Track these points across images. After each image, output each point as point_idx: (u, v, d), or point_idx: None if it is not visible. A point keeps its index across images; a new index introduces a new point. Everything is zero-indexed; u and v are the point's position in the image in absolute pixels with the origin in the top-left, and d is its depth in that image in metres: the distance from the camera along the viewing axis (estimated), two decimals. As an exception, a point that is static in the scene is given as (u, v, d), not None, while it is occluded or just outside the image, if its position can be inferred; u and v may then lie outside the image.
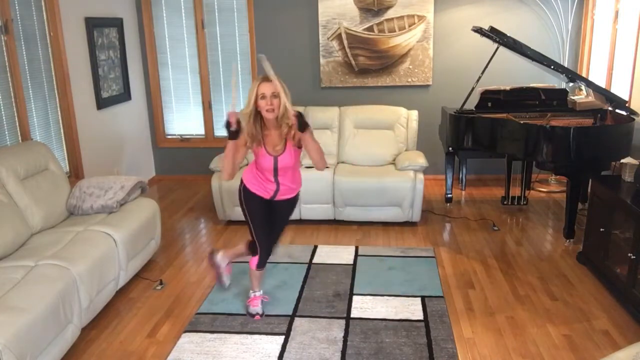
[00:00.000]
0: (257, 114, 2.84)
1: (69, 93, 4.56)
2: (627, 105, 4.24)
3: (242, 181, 3.09)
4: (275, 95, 2.77)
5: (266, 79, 2.79)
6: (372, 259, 3.98)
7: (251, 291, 3.28)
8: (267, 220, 3.10)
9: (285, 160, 2.94)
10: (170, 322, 3.22)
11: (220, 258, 3.45)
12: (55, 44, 4.42)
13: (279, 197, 3.07)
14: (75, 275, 2.93)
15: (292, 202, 3.18)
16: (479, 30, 4.46)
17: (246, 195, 3.07)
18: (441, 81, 5.69)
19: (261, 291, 3.30)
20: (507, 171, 4.99)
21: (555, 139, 3.94)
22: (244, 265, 3.92)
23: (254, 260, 3.13)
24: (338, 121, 5.08)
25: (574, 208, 4.09)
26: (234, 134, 2.80)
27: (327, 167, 3.01)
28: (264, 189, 3.03)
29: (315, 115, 5.10)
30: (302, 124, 2.75)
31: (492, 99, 4.79)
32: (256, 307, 3.23)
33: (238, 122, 2.79)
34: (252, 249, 3.19)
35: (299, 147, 2.96)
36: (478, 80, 4.68)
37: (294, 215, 4.61)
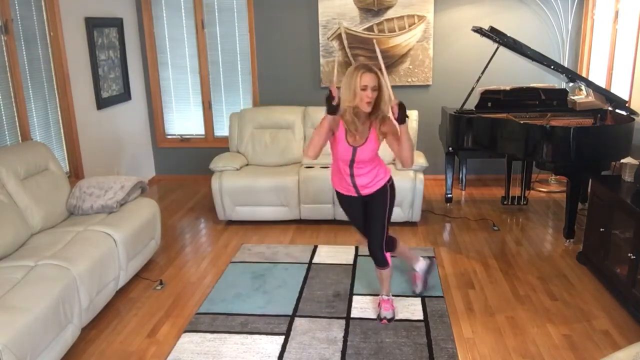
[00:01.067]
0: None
1: (69, 93, 4.56)
2: (627, 105, 4.24)
3: (332, 185, 3.12)
4: (375, 89, 2.70)
5: (369, 69, 2.68)
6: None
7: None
8: (363, 217, 3.08)
9: (365, 152, 2.85)
10: (170, 322, 3.22)
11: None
12: (55, 44, 4.42)
13: (363, 191, 2.98)
14: (75, 275, 2.93)
15: (383, 192, 3.00)
16: (479, 30, 4.46)
17: (338, 198, 3.13)
18: (441, 81, 5.69)
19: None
20: (507, 171, 4.99)
21: (555, 139, 3.94)
22: (242, 265, 3.93)
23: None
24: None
25: (574, 208, 4.09)
26: (334, 108, 2.67)
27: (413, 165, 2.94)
28: (344, 184, 2.99)
29: (316, 115, 5.10)
30: (402, 115, 2.66)
31: (492, 99, 4.79)
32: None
33: (339, 98, 2.68)
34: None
35: (381, 140, 2.87)
36: (478, 80, 4.68)
37: (294, 215, 4.65)
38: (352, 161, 2.90)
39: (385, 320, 3.12)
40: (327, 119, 2.73)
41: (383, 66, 2.77)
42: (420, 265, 3.42)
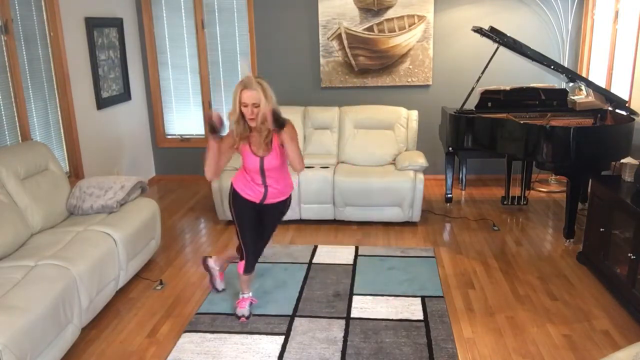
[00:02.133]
0: (243, 117, 2.84)
1: (69, 93, 4.56)
2: (627, 105, 4.24)
3: (232, 185, 3.10)
4: (256, 105, 2.76)
5: (247, 85, 2.75)
6: (372, 259, 3.98)
7: (240, 293, 3.29)
8: (256, 225, 3.10)
9: (272, 161, 2.93)
10: (170, 322, 3.22)
11: (213, 263, 3.47)
12: (55, 44, 4.42)
13: (268, 200, 3.06)
14: (75, 275, 2.93)
15: (282, 207, 3.15)
16: (479, 30, 4.46)
17: (235, 200, 3.08)
18: (441, 81, 5.69)
19: (250, 293, 3.31)
20: (507, 171, 4.99)
21: (555, 139, 3.94)
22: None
23: (241, 264, 3.14)
24: (338, 121, 5.08)
25: (574, 208, 4.09)
26: (215, 131, 2.78)
27: (303, 170, 2.99)
28: (253, 193, 3.03)
29: (315, 115, 5.11)
30: (278, 122, 2.74)
31: (492, 99, 4.79)
32: (242, 309, 3.23)
33: (221, 122, 2.78)
34: (240, 253, 3.19)
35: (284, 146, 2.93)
36: (478, 80, 4.68)
37: (294, 215, 4.65)
38: (262, 170, 2.96)
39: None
40: (212, 143, 2.82)
41: (255, 84, 2.77)
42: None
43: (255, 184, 3.01)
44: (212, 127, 2.77)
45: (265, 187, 3.01)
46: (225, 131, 2.86)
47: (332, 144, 5.04)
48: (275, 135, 2.90)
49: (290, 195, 3.18)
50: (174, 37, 5.90)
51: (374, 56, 5.64)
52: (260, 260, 3.97)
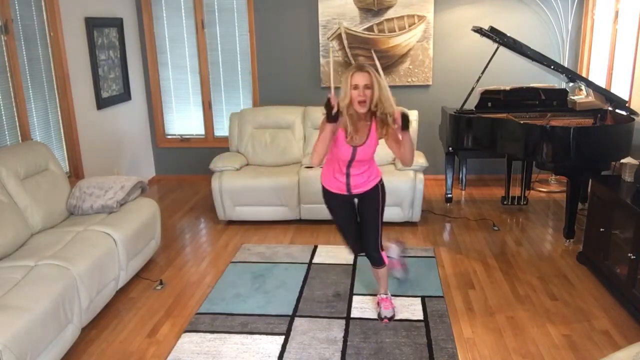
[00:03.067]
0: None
1: (69, 93, 4.56)
2: (627, 105, 4.24)
3: (321, 183, 3.10)
4: (368, 87, 2.69)
5: (360, 68, 2.69)
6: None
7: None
8: (351, 219, 3.07)
9: (364, 152, 2.86)
10: (170, 322, 3.22)
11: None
12: (55, 44, 4.42)
13: (355, 190, 2.98)
14: (75, 275, 2.93)
15: (374, 192, 3.02)
16: (479, 30, 4.46)
17: (326, 195, 3.10)
18: (441, 81, 5.69)
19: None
20: (507, 171, 4.99)
21: (555, 139, 3.94)
22: (242, 265, 3.93)
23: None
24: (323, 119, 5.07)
25: (574, 208, 4.09)
26: (334, 117, 2.66)
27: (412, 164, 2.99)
28: (337, 182, 2.98)
29: (316, 115, 5.10)
30: (406, 122, 2.68)
31: (492, 99, 4.79)
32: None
33: (338, 105, 2.67)
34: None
35: (379, 139, 2.88)
36: (478, 80, 4.68)
37: (294, 215, 4.65)
38: (351, 161, 2.90)
39: (386, 320, 3.12)
40: (328, 127, 2.72)
41: (380, 68, 2.75)
42: (391, 251, 3.41)
43: (339, 172, 2.95)
44: (328, 110, 2.64)
45: (348, 176, 2.94)
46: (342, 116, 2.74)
47: (332, 144, 5.03)
48: (374, 125, 2.82)
49: (381, 181, 3.05)
50: (174, 37, 5.90)
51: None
52: (260, 260, 3.99)
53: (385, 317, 3.13)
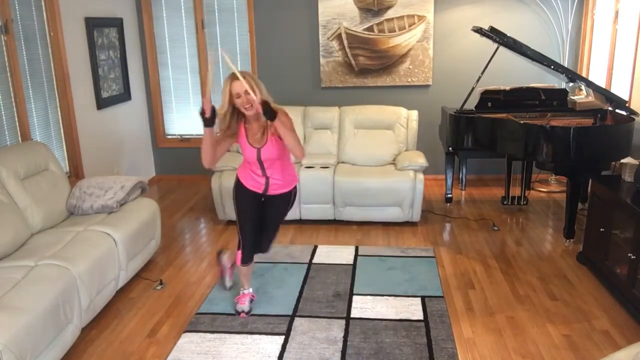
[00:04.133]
0: (234, 110, 2.86)
1: (69, 93, 4.56)
2: (627, 105, 4.24)
3: (236, 176, 3.12)
4: (248, 92, 2.76)
5: (235, 77, 2.77)
6: (372, 259, 3.98)
7: (241, 288, 3.32)
8: (257, 215, 3.11)
9: (268, 151, 2.93)
10: (170, 322, 3.22)
11: (226, 259, 3.48)
12: (55, 44, 4.42)
13: (271, 192, 3.06)
14: (75, 275, 2.93)
15: (286, 199, 3.14)
16: (479, 30, 4.46)
17: (238, 189, 3.11)
18: (441, 81, 5.69)
19: (250, 289, 3.33)
20: (507, 171, 4.99)
21: (555, 139, 3.94)
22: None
23: (239, 255, 3.15)
24: (338, 121, 5.08)
25: (574, 208, 4.09)
26: (208, 121, 2.78)
27: (304, 157, 3.04)
28: (256, 183, 3.04)
29: (315, 115, 5.11)
30: (268, 112, 2.72)
31: (492, 99, 4.79)
32: (242, 305, 3.25)
33: (213, 109, 2.78)
34: (238, 243, 3.19)
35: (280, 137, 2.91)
36: (478, 80, 4.68)
37: (294, 215, 4.65)
38: (260, 161, 2.97)
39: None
40: (206, 131, 2.81)
41: (234, 67, 2.80)
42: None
43: (256, 174, 3.02)
44: (202, 115, 2.76)
45: (266, 178, 3.02)
46: (216, 121, 2.84)
47: (332, 144, 5.04)
48: (269, 127, 2.91)
49: (295, 188, 3.16)
50: (174, 37, 5.90)
51: (374, 56, 5.64)
52: (260, 260, 3.98)
53: (242, 311, 3.22)
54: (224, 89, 2.82)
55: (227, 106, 2.83)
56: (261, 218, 3.14)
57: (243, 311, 3.23)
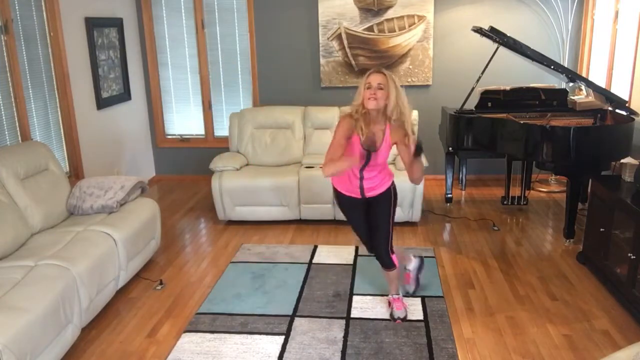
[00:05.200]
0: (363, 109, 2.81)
1: (69, 93, 4.56)
2: (627, 105, 4.24)
3: (332, 185, 3.10)
4: (381, 87, 2.74)
5: (377, 70, 2.77)
6: (372, 259, 3.96)
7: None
8: (365, 220, 3.08)
9: (379, 156, 2.88)
10: (170, 322, 3.22)
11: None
12: (55, 44, 4.42)
13: (369, 193, 3.00)
14: (75, 275, 2.93)
15: (387, 197, 3.04)
16: (479, 30, 4.46)
17: (339, 198, 3.11)
18: (441, 81, 5.69)
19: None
20: (507, 171, 4.99)
21: (555, 139, 3.94)
22: (242, 265, 3.93)
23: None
24: (338, 121, 5.07)
25: (574, 208, 4.09)
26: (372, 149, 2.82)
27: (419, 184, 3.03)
28: (350, 186, 2.98)
29: (315, 115, 5.11)
30: (418, 152, 2.74)
31: (492, 99, 4.79)
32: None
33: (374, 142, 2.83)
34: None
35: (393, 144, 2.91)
36: (478, 80, 4.68)
37: (294, 215, 4.65)
38: (366, 165, 2.91)
39: (399, 320, 3.12)
40: (342, 134, 2.78)
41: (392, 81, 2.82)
42: (412, 264, 3.42)
43: (354, 175, 2.95)
44: (370, 147, 2.79)
45: (361, 180, 2.95)
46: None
47: (332, 144, 5.03)
48: (388, 130, 2.86)
49: (393, 183, 3.08)
50: (174, 37, 5.90)
51: (374, 56, 5.64)
52: (260, 260, 3.99)
53: (399, 318, 3.13)
54: (362, 81, 2.80)
55: (361, 99, 2.79)
56: (369, 222, 3.08)
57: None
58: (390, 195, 3.05)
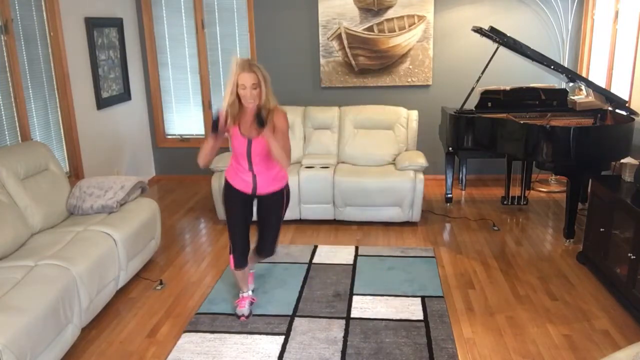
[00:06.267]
0: (237, 98, 2.83)
1: (69, 93, 4.56)
2: (627, 105, 4.24)
3: (225, 178, 3.09)
4: (255, 86, 2.75)
5: (246, 67, 2.75)
6: (372, 259, 3.98)
7: (239, 292, 3.29)
8: (246, 219, 3.07)
9: (260, 144, 2.88)
10: (170, 322, 3.22)
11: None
12: (55, 44, 4.42)
13: (260, 190, 2.99)
14: (75, 275, 2.93)
15: (277, 199, 3.06)
16: (479, 30, 4.46)
17: (227, 191, 3.07)
18: (441, 81, 5.69)
19: (249, 292, 3.31)
20: (507, 171, 4.99)
21: (555, 139, 3.94)
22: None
23: (231, 259, 3.09)
24: (338, 121, 5.08)
25: (574, 208, 4.09)
26: (215, 129, 2.83)
27: (288, 167, 3.01)
28: (243, 182, 2.98)
29: (315, 115, 5.11)
30: (259, 120, 2.73)
31: (492, 99, 4.79)
32: (242, 309, 3.21)
33: (225, 122, 2.84)
34: (230, 248, 3.12)
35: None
36: (478, 80, 4.68)
37: (294, 215, 4.65)
38: (249, 154, 2.91)
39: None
40: (211, 137, 2.86)
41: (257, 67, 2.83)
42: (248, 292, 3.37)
43: (243, 169, 2.95)
44: (216, 125, 2.79)
45: (253, 175, 2.96)
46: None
47: (332, 144, 5.04)
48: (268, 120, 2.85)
49: (286, 186, 3.09)
50: (174, 37, 5.90)
51: (374, 56, 5.64)
52: (261, 260, 3.98)
53: (242, 315, 3.19)
54: (232, 76, 2.79)
55: (235, 95, 2.80)
56: (260, 220, 3.11)
57: (243, 315, 3.20)
58: (282, 197, 3.07)
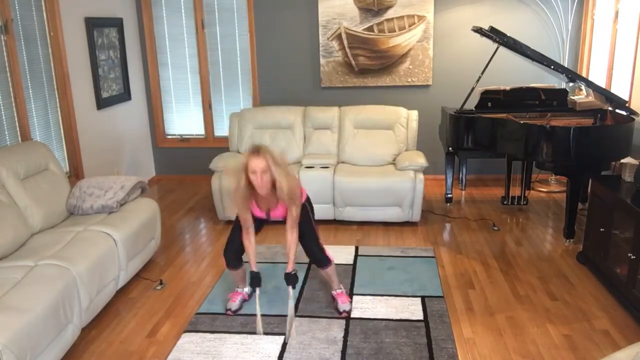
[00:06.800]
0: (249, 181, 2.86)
1: (69, 93, 4.56)
2: (627, 105, 4.24)
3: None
4: (265, 171, 2.77)
5: (256, 151, 2.79)
6: (372, 259, 3.98)
7: (236, 287, 3.39)
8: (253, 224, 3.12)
9: (277, 213, 3.03)
10: (170, 322, 3.22)
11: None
12: (55, 44, 4.43)
13: (274, 217, 3.11)
14: (75, 275, 2.93)
15: (301, 212, 3.10)
16: (479, 30, 4.46)
17: None
18: (441, 81, 5.69)
19: (245, 289, 3.37)
20: (507, 171, 4.99)
21: (555, 139, 3.94)
22: (244, 265, 3.93)
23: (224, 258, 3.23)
24: (338, 121, 5.08)
25: (574, 208, 4.09)
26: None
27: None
28: (257, 211, 3.08)
29: (315, 115, 5.11)
30: (291, 280, 3.00)
31: (492, 99, 4.79)
32: (233, 303, 3.28)
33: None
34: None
35: None
36: (478, 80, 4.68)
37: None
38: (268, 219, 3.10)
39: (345, 313, 3.19)
40: (243, 208, 2.97)
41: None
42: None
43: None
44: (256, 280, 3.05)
45: (268, 213, 3.08)
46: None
47: (332, 144, 5.04)
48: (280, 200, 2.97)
49: (306, 199, 3.17)
50: (174, 37, 5.90)
51: (374, 56, 5.64)
52: (260, 260, 3.98)
53: (344, 311, 3.19)
54: (243, 160, 2.82)
55: (244, 178, 2.83)
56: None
57: (230, 309, 3.24)
58: (302, 210, 3.07)
